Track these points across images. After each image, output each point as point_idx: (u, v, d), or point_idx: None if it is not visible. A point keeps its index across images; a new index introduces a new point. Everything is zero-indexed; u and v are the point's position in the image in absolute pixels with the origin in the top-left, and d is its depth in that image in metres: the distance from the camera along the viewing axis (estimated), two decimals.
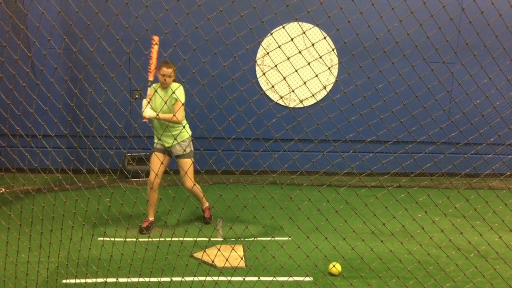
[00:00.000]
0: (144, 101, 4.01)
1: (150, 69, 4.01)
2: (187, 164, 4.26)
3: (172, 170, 4.39)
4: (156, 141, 4.31)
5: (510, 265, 3.29)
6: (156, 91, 3.69)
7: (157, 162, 4.19)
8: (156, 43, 3.96)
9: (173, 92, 3.95)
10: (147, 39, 3.31)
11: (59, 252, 2.99)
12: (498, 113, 3.29)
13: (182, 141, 4.26)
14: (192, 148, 4.39)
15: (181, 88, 4.15)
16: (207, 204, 4.75)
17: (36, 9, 5.60)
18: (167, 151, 4.33)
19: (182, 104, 3.46)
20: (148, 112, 3.92)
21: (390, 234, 3.49)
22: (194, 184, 3.68)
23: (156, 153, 4.29)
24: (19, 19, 5.20)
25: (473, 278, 3.22)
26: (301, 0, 2.18)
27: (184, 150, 4.25)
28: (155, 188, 4.15)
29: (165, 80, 4.06)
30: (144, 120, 3.96)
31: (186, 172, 4.21)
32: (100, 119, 2.62)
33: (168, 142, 4.23)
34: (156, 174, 4.01)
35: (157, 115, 3.89)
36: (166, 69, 4.03)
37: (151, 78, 4.05)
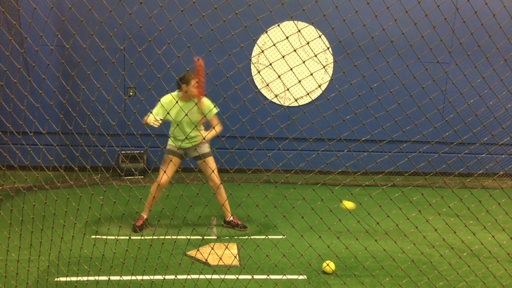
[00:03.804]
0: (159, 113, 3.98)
1: (200, 87, 3.94)
2: (212, 161, 4.32)
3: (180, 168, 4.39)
4: (173, 143, 4.23)
5: (502, 264, 3.31)
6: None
7: (172, 165, 4.18)
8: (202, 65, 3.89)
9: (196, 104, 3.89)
10: (141, 36, 3.28)
11: (50, 251, 2.96)
12: (492, 112, 3.30)
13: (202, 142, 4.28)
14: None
15: (207, 99, 4.18)
16: (229, 217, 4.50)
17: (28, 5, 5.53)
18: (181, 155, 4.31)
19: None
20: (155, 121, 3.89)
21: (384, 233, 3.50)
22: (221, 183, 3.80)
23: (171, 155, 4.23)
24: (11, 15, 5.13)
25: (465, 277, 3.24)
26: None
27: (207, 149, 4.33)
28: (163, 189, 4.12)
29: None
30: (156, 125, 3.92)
31: (209, 171, 4.26)
32: (93, 116, 2.60)
33: (194, 141, 4.22)
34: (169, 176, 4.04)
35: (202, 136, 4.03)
36: (196, 81, 4.01)
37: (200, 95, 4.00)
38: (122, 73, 2.43)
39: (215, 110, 4.11)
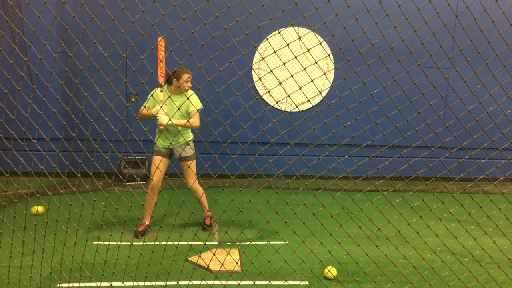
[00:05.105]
0: (159, 108, 3.95)
1: (161, 72, 3.87)
2: (193, 165, 4.29)
3: (168, 174, 4.37)
4: (158, 144, 4.26)
5: (504, 269, 3.30)
6: (169, 96, 3.65)
7: (161, 166, 4.18)
8: (163, 43, 3.83)
9: (188, 98, 3.92)
10: (143, 44, 3.31)
11: (52, 257, 2.97)
12: (492, 118, 3.32)
13: (187, 142, 4.26)
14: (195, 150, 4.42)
15: (195, 94, 4.19)
16: (207, 212, 4.61)
17: (32, 13, 5.59)
18: (168, 154, 4.31)
19: (198, 110, 3.50)
20: (165, 119, 3.91)
21: (385, 239, 3.50)
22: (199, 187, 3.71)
23: (158, 156, 4.26)
24: (15, 23, 5.18)
25: (467, 283, 3.23)
26: (297, 6, 2.20)
27: (190, 152, 4.27)
28: (156, 191, 4.13)
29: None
30: (161, 127, 3.97)
31: (191, 174, 4.23)
32: (96, 123, 2.62)
33: (177, 142, 4.22)
34: (164, 177, 4.00)
35: (170, 119, 3.88)
36: (189, 75, 4.05)
37: (163, 82, 3.93)
38: (125, 80, 2.45)
39: (198, 106, 4.09)
